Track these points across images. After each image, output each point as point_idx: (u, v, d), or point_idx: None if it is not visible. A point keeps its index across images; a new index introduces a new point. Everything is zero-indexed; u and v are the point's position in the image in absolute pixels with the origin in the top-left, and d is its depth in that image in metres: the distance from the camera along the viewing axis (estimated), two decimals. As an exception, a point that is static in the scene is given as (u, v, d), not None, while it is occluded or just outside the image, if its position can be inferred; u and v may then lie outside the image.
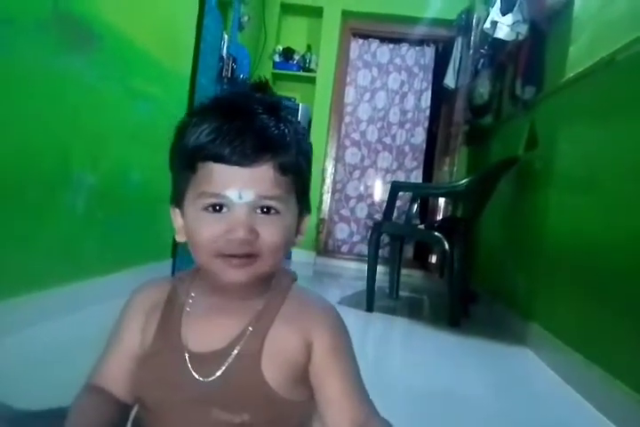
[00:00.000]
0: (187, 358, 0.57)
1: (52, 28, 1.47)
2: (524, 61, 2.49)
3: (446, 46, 4.13)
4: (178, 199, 0.59)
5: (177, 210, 0.60)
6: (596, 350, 1.46)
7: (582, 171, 1.75)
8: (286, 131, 0.56)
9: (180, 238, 0.60)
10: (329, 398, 0.58)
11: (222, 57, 3.04)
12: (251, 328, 0.58)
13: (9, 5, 1.29)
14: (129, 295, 0.65)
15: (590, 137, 1.73)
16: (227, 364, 0.56)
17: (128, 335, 0.62)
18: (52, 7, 1.45)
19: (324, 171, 4.22)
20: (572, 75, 1.93)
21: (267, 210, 0.55)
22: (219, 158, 0.53)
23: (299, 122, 0.61)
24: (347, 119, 4.40)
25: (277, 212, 0.56)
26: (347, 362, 0.60)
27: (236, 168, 0.53)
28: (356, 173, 4.42)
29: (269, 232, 0.55)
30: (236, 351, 0.56)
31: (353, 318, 2.30)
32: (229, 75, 3.11)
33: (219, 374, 0.56)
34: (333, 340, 0.59)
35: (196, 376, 0.56)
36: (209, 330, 0.59)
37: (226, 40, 3.08)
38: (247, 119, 0.55)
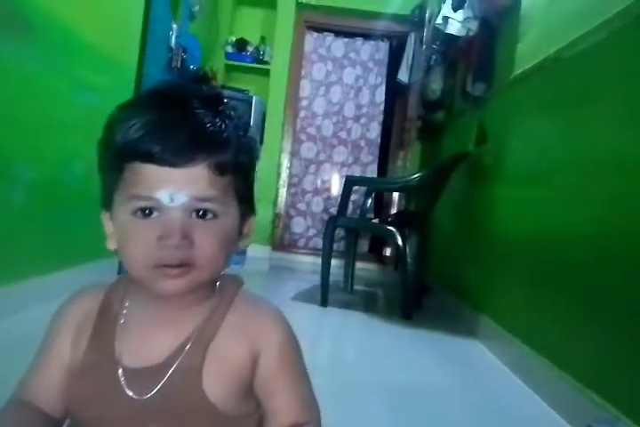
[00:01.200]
0: (120, 374, 0.53)
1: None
2: (475, 58, 2.53)
3: (400, 41, 4.16)
4: (107, 202, 0.54)
5: (107, 214, 0.55)
6: (544, 341, 1.50)
7: (532, 165, 1.80)
8: (224, 127, 0.52)
9: (111, 246, 0.54)
10: (274, 410, 0.55)
11: (171, 47, 2.95)
12: (191, 340, 0.54)
13: None
14: (59, 305, 0.60)
15: (540, 132, 1.78)
16: (164, 380, 0.52)
17: (58, 349, 0.57)
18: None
19: (279, 165, 4.18)
20: (520, 71, 1.97)
21: (203, 214, 0.51)
22: (148, 158, 0.49)
23: (240, 116, 0.56)
24: (302, 113, 4.37)
25: (215, 215, 0.51)
26: (295, 373, 0.57)
27: (167, 169, 0.49)
28: (312, 168, 4.40)
29: (205, 239, 0.50)
30: (174, 366, 0.52)
31: (307, 313, 2.29)
32: (179, 65, 3.02)
33: (155, 391, 0.52)
34: (282, 351, 0.56)
35: (131, 394, 0.52)
36: (145, 343, 0.55)
37: (175, 30, 2.99)
38: (181, 114, 0.51)
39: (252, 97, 3.80)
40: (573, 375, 1.29)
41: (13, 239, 1.62)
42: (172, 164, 0.49)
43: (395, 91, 4.31)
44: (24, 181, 1.64)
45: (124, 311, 0.57)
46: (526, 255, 1.71)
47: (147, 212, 0.50)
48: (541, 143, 1.73)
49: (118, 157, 0.50)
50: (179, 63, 3.01)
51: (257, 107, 3.78)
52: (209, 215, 0.51)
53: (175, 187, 0.49)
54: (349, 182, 2.67)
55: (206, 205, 0.51)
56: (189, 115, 0.51)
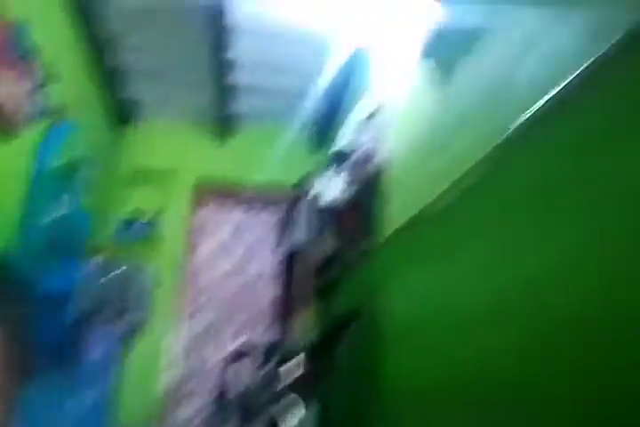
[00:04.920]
0: None
1: None
2: (355, 219, 2.67)
3: (292, 206, 4.38)
4: None
5: None
6: None
7: (416, 314, 1.78)
8: None
9: None
10: None
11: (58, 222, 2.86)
12: None
13: None
14: None
15: (418, 283, 1.80)
16: None
17: None
18: None
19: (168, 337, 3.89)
20: (394, 229, 2.08)
21: None
22: None
23: None
24: (196, 281, 4.25)
25: None
26: None
27: None
28: (207, 336, 4.13)
29: None
30: None
31: None
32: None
33: None
34: None
35: None
36: None
37: (63, 205, 2.93)
38: None
39: (144, 268, 3.68)
40: None
41: None
42: None
43: (290, 253, 4.39)
44: None
45: None
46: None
47: None
48: (421, 294, 1.75)
49: None
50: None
51: (148, 277, 3.64)
52: None
53: None
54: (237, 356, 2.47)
55: None
56: None
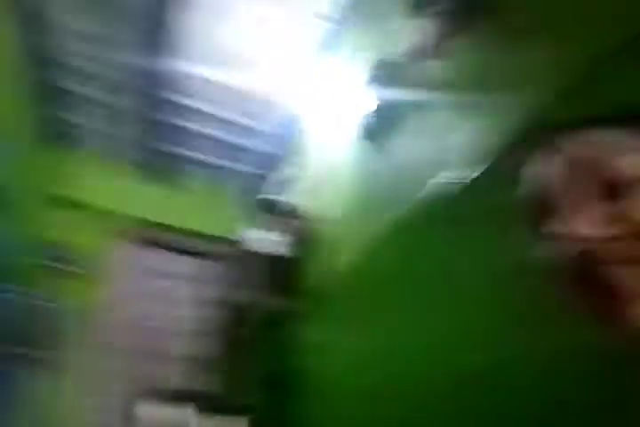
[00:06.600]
0: None
1: None
2: (284, 274, 2.68)
3: (224, 259, 4.25)
4: None
5: None
6: None
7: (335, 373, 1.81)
8: None
9: None
10: None
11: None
12: None
13: None
14: None
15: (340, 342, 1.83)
16: None
17: None
18: None
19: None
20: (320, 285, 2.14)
21: None
22: None
23: None
24: (107, 322, 3.99)
25: None
26: None
27: None
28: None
29: None
30: None
31: None
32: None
33: None
34: None
35: None
36: None
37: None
38: None
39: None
40: None
41: None
42: None
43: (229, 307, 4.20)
44: None
45: None
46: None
47: None
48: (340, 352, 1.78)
49: None
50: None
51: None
52: None
53: None
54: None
55: None
56: None
